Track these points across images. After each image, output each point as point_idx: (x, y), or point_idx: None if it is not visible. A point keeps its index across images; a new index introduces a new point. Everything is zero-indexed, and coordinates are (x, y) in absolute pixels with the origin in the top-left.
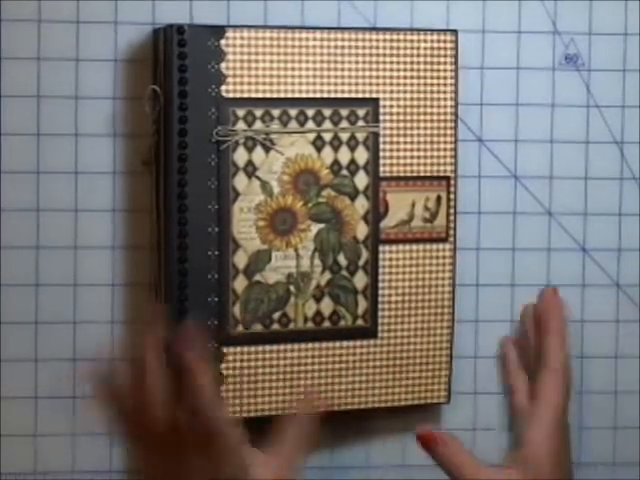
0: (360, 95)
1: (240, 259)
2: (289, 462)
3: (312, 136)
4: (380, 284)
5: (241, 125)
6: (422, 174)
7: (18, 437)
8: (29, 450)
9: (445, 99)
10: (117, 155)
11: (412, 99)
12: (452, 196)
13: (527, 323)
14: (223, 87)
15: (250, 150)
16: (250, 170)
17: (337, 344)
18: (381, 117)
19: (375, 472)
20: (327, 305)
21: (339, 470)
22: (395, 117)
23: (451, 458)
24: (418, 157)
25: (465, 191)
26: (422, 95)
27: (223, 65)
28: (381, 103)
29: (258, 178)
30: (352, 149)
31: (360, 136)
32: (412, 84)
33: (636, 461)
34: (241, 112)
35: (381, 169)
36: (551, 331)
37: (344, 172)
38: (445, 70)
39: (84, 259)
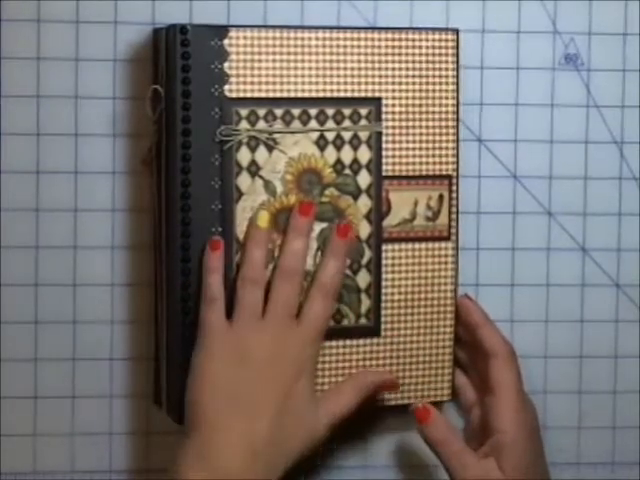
0: (363, 94)
1: None
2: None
3: (315, 135)
4: (383, 283)
5: (244, 125)
6: (424, 173)
7: (18, 437)
8: (29, 450)
9: (447, 97)
10: (117, 155)
11: (414, 98)
12: (454, 195)
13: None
14: (226, 87)
15: (253, 150)
16: (253, 170)
17: (340, 343)
18: (383, 116)
19: (376, 472)
20: None
21: (339, 470)
22: (397, 116)
23: (440, 436)
24: (420, 156)
25: (465, 191)
26: (424, 94)
27: (226, 65)
28: (383, 102)
29: (261, 178)
30: (355, 148)
31: (363, 135)
32: (414, 83)
33: (636, 461)
34: (244, 112)
35: (384, 168)
36: (480, 324)
37: (347, 171)
38: (447, 69)
39: (84, 259)
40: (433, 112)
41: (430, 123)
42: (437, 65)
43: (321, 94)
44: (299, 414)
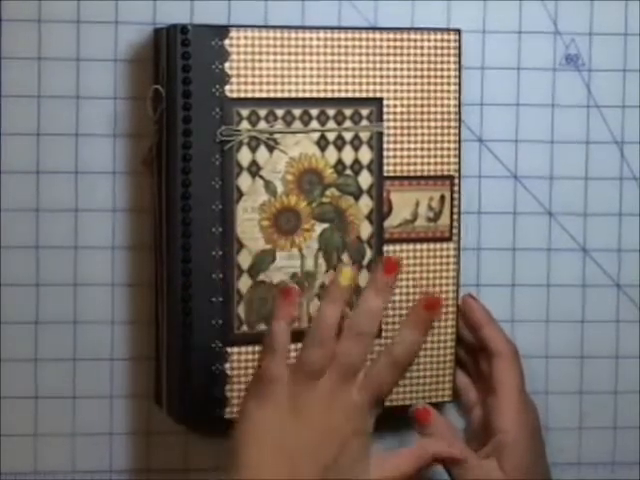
0: (364, 95)
1: (244, 259)
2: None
3: (316, 136)
4: None
5: (245, 125)
6: (426, 173)
7: (18, 437)
8: (29, 450)
9: (449, 98)
10: (117, 155)
11: (416, 98)
12: (456, 195)
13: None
14: (227, 87)
15: (254, 150)
16: (254, 170)
17: None
18: (385, 117)
19: None
20: None
21: None
22: (399, 116)
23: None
24: (422, 156)
25: (465, 191)
26: (426, 94)
27: (227, 65)
28: (385, 103)
29: (262, 178)
30: (356, 149)
31: (364, 136)
32: (416, 83)
33: (636, 461)
34: (245, 112)
35: (385, 168)
36: (483, 323)
37: (348, 172)
38: (448, 69)
39: (84, 259)
40: (435, 112)
41: (432, 123)
42: (439, 65)
43: (322, 94)
44: (348, 474)
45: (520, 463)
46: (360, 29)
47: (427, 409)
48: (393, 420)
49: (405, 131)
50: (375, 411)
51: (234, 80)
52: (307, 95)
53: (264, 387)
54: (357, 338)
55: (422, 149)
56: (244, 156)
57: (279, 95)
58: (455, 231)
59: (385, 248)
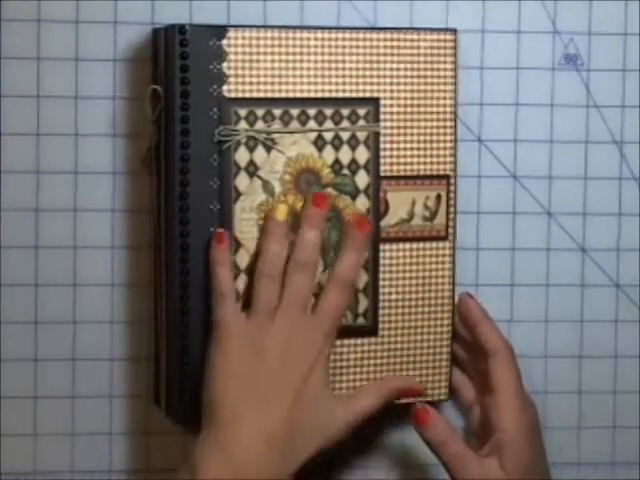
0: (361, 95)
1: (242, 259)
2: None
3: (313, 136)
4: (380, 282)
5: (243, 125)
6: (422, 173)
7: (18, 437)
8: (29, 450)
9: (445, 98)
10: (117, 155)
11: (412, 98)
12: (452, 195)
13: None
14: (225, 87)
15: (252, 150)
16: (252, 170)
17: (338, 342)
18: (382, 116)
19: (375, 472)
20: None
21: (340, 470)
22: (395, 116)
23: (440, 437)
24: (418, 156)
25: (464, 191)
26: (422, 94)
27: (225, 65)
28: (382, 102)
29: (260, 178)
30: (353, 148)
31: (361, 135)
32: (413, 83)
33: (636, 461)
34: (243, 112)
35: (382, 168)
36: (479, 322)
37: (345, 171)
38: (445, 69)
39: (84, 259)
40: (431, 112)
41: (428, 123)
42: (435, 65)
43: (319, 94)
44: (314, 406)
45: (520, 461)
46: (357, 29)
47: (426, 409)
48: (393, 420)
49: (402, 131)
50: (331, 337)
51: (232, 80)
52: (304, 95)
53: (223, 333)
54: (301, 269)
55: (418, 149)
56: (242, 156)
57: (277, 95)
58: (451, 230)
59: (381, 247)
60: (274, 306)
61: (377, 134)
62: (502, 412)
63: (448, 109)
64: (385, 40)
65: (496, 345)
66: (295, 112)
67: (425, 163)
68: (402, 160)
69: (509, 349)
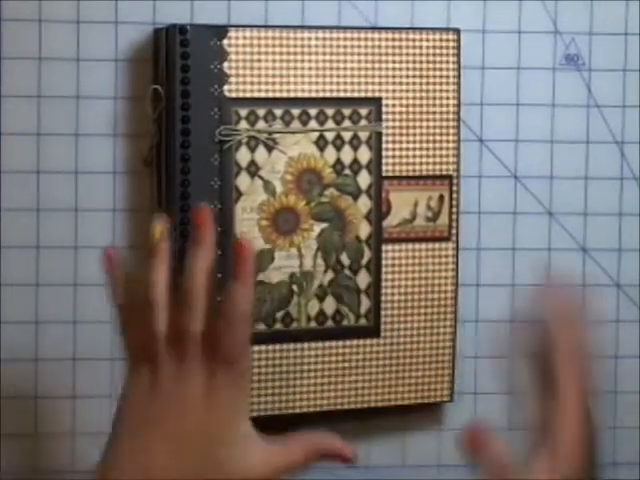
0: (363, 94)
1: None
2: (284, 464)
3: (315, 135)
4: (383, 283)
5: (244, 125)
6: (425, 173)
7: (18, 437)
8: (29, 450)
9: (448, 98)
10: (117, 155)
11: (415, 98)
12: (455, 195)
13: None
14: (226, 87)
15: (253, 150)
16: (253, 170)
17: (340, 343)
18: (384, 116)
19: (376, 472)
20: (330, 304)
21: (339, 470)
22: (398, 116)
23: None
24: (421, 156)
25: (465, 191)
26: (425, 94)
27: (226, 65)
28: (384, 102)
29: (261, 178)
30: (355, 148)
31: (363, 135)
32: (415, 83)
33: (636, 461)
34: (244, 112)
35: (384, 168)
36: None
37: (347, 171)
38: (447, 69)
39: (84, 259)
40: (434, 112)
41: (431, 123)
42: (438, 65)
43: (321, 94)
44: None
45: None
46: (359, 29)
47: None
48: (393, 420)
49: (404, 131)
50: (232, 373)
51: (233, 80)
52: (306, 95)
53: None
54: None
55: (421, 149)
56: (243, 156)
57: (278, 95)
58: (454, 231)
59: (384, 248)
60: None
61: (379, 134)
62: (563, 420)
63: (451, 109)
64: (387, 40)
65: (564, 346)
66: (296, 112)
67: (428, 163)
68: (404, 160)
69: (581, 354)
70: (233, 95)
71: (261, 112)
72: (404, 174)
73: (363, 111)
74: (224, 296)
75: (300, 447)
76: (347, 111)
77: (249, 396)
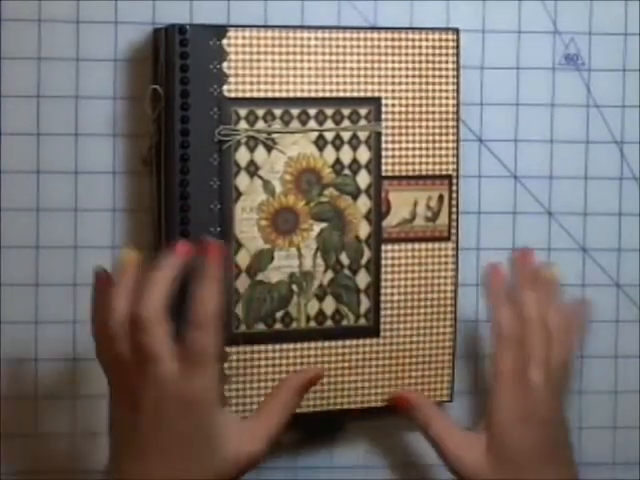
0: (362, 94)
1: (242, 259)
2: (267, 432)
3: (314, 135)
4: (382, 283)
5: (243, 125)
6: (424, 173)
7: (18, 437)
8: (29, 450)
9: (447, 97)
10: (117, 155)
11: (414, 98)
12: (454, 195)
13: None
14: (225, 87)
15: (252, 150)
16: (252, 170)
17: (340, 343)
18: (383, 116)
19: (375, 472)
20: (329, 304)
21: (339, 470)
22: (397, 116)
23: (425, 418)
24: (420, 156)
25: (465, 191)
26: (424, 94)
27: (225, 65)
28: (383, 102)
29: (260, 178)
30: (354, 148)
31: (362, 135)
32: (414, 83)
33: (636, 461)
34: (243, 112)
35: (383, 168)
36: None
37: (346, 171)
38: (447, 69)
39: (84, 259)
40: (433, 112)
41: (430, 123)
42: (437, 65)
43: (320, 94)
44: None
45: (509, 443)
46: (358, 29)
47: (404, 395)
48: (393, 420)
49: (403, 131)
50: (205, 375)
51: (232, 80)
52: (305, 95)
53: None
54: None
55: (420, 149)
56: (242, 156)
57: (277, 95)
58: (453, 231)
59: (383, 247)
60: (123, 359)
61: (378, 134)
62: (496, 394)
63: (450, 109)
64: (386, 40)
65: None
66: (296, 112)
67: (427, 163)
68: (404, 160)
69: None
70: (232, 95)
71: (260, 112)
72: (404, 174)
73: (362, 111)
74: (192, 298)
75: (274, 407)
76: (346, 111)
77: (221, 387)
